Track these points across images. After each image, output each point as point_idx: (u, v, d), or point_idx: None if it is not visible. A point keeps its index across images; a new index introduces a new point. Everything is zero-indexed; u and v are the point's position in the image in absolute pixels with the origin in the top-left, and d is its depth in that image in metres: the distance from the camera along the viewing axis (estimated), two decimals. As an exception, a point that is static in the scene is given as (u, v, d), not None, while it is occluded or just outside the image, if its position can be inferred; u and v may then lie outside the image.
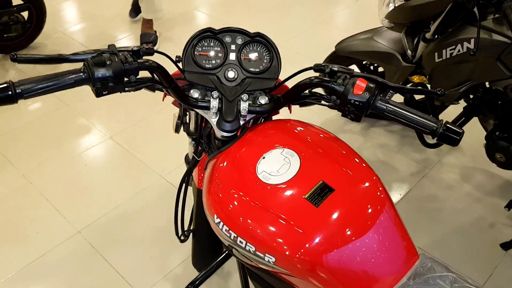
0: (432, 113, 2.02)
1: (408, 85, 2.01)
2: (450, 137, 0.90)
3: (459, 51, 1.66)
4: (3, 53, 3.20)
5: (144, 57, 0.97)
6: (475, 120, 2.16)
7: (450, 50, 1.68)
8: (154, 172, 2.34)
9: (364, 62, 2.39)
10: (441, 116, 2.21)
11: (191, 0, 4.02)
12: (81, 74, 0.88)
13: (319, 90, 1.08)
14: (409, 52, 1.80)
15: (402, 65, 1.98)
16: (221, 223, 0.98)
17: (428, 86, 1.93)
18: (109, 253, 1.98)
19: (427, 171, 2.36)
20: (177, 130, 1.29)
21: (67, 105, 2.79)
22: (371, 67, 2.41)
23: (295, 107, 1.20)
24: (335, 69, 0.99)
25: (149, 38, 3.30)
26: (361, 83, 0.93)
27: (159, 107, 2.67)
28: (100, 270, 1.91)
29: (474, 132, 2.24)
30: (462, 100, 2.07)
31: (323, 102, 1.03)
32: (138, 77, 0.95)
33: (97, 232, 2.07)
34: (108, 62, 0.88)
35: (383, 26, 2.00)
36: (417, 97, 2.27)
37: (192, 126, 1.27)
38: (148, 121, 2.67)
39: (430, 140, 2.40)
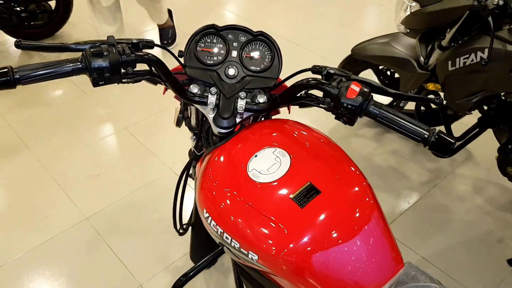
0: (445, 122, 1.98)
1: (412, 91, 1.97)
2: (441, 146, 0.89)
3: (472, 60, 1.62)
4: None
5: (144, 50, 0.99)
6: (492, 132, 2.12)
7: (464, 59, 1.65)
8: (165, 165, 2.36)
9: (380, 67, 2.36)
10: (455, 126, 2.17)
11: (223, 2, 4.03)
12: (79, 63, 0.90)
13: (318, 92, 1.08)
14: (421, 58, 1.77)
15: (417, 72, 1.95)
16: (210, 218, 1.00)
17: (442, 94, 1.90)
18: (114, 241, 2.02)
19: (439, 181, 2.32)
20: (178, 124, 1.30)
21: (86, 94, 2.85)
22: (388, 73, 2.39)
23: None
24: (332, 71, 0.98)
25: (167, 35, 3.34)
26: (354, 87, 0.92)
27: (177, 101, 2.70)
28: (104, 257, 1.95)
29: (491, 145, 2.19)
30: (477, 111, 2.03)
31: (319, 104, 1.03)
32: (135, 69, 0.96)
33: (104, 220, 2.11)
34: (105, 53, 0.90)
35: (400, 32, 1.98)
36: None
37: (193, 121, 1.28)
38: (164, 114, 2.71)
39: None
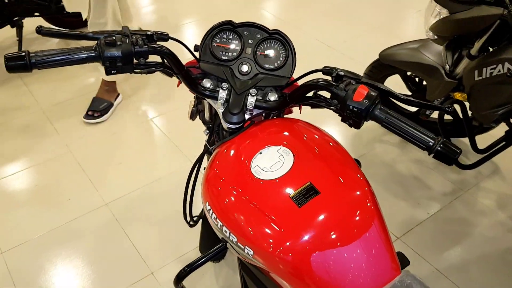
0: (469, 134, 1.93)
1: (439, 100, 1.93)
2: (446, 155, 0.87)
3: (499, 71, 1.58)
4: (68, 29, 3.39)
5: (159, 43, 1.01)
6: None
7: (491, 69, 1.60)
8: (186, 158, 2.40)
9: (408, 74, 2.32)
10: (483, 138, 2.11)
11: (264, 4, 4.04)
12: (93, 52, 0.93)
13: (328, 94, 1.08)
14: (447, 66, 1.73)
15: (445, 80, 1.91)
16: (211, 211, 1.01)
17: (467, 104, 1.85)
18: (130, 228, 2.06)
19: (461, 193, 2.27)
20: (192, 117, 1.32)
21: (117, 84, 2.92)
22: (416, 79, 2.34)
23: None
24: (341, 73, 0.98)
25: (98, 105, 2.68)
26: (362, 90, 0.92)
27: (192, 94, 2.74)
28: (119, 243, 2.00)
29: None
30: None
31: (327, 105, 1.02)
32: (148, 60, 0.99)
33: (122, 207, 2.16)
34: (118, 43, 0.93)
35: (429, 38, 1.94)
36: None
37: (207, 115, 1.30)
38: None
39: (461, 160, 2.31)
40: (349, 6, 3.93)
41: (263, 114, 1.19)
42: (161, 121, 2.66)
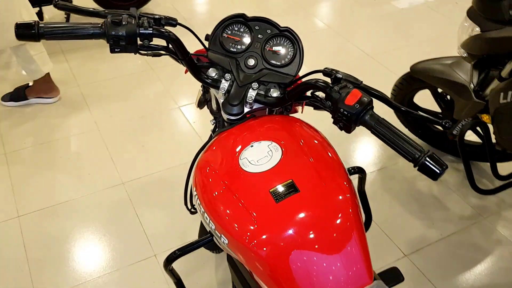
0: (490, 159, 1.86)
1: (466, 120, 1.87)
2: (430, 169, 0.85)
3: (525, 95, 1.52)
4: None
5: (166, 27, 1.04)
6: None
7: (516, 93, 1.54)
8: (206, 148, 2.43)
9: (440, 91, 2.26)
10: (504, 165, 2.03)
11: (314, 9, 4.02)
12: (98, 29, 0.96)
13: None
14: (471, 85, 1.68)
15: (473, 101, 1.85)
16: (196, 196, 1.03)
17: (491, 127, 1.79)
18: (142, 209, 2.12)
19: (480, 219, 2.18)
20: (199, 106, 1.35)
21: (152, 69, 3.00)
22: (447, 97, 2.28)
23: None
24: (340, 76, 0.98)
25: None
26: (355, 94, 0.91)
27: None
28: (129, 222, 2.06)
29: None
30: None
31: (321, 105, 1.02)
32: (153, 43, 1.01)
33: (138, 188, 2.22)
34: (124, 23, 0.96)
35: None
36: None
37: (214, 105, 1.32)
38: (218, 101, 2.78)
39: (481, 185, 2.23)
40: (404, 20, 3.85)
41: (267, 110, 1.19)
42: (189, 110, 2.71)
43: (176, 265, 1.15)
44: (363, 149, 2.50)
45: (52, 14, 3.43)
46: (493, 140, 1.94)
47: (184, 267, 1.86)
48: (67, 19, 3.13)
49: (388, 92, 2.39)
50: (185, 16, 3.63)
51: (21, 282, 1.81)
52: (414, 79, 2.18)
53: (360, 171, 1.20)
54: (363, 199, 1.26)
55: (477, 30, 1.68)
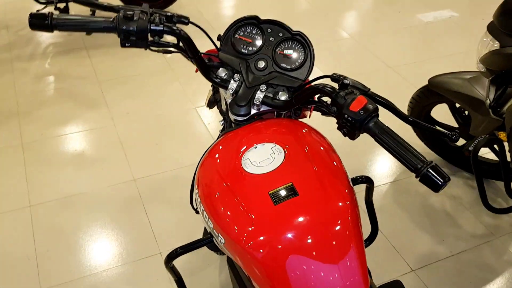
0: (505, 178, 1.82)
1: (483, 137, 1.83)
2: (432, 180, 0.84)
3: (541, 114, 1.48)
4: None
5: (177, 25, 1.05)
6: None
7: (533, 111, 1.51)
8: (219, 150, 2.44)
9: (458, 106, 2.22)
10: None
11: (339, 20, 3.99)
12: (110, 23, 0.98)
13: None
14: (487, 101, 1.65)
15: (490, 117, 1.82)
16: (197, 194, 1.03)
17: (506, 145, 1.75)
18: (151, 206, 2.13)
19: (492, 239, 2.13)
20: (209, 105, 1.35)
21: (172, 69, 3.03)
22: (466, 112, 2.24)
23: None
24: (347, 82, 0.97)
25: None
26: (360, 101, 0.90)
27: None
28: (137, 219, 2.08)
29: None
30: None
31: (327, 110, 1.01)
32: (163, 40, 1.03)
33: (148, 185, 2.24)
34: (135, 18, 0.97)
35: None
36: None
37: (223, 106, 1.32)
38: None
39: (496, 204, 2.18)
40: (425, 30, 3.81)
41: (275, 114, 1.19)
42: (204, 111, 2.73)
43: (179, 264, 1.15)
44: (377, 160, 2.47)
45: (77, 10, 3.50)
46: (509, 159, 1.89)
47: (188, 267, 1.86)
48: (93, 14, 3.19)
49: (405, 105, 2.36)
50: (208, 19, 3.65)
51: (27, 270, 1.84)
52: (431, 93, 2.15)
53: (367, 180, 1.18)
54: (370, 209, 1.24)
55: (496, 45, 1.65)
